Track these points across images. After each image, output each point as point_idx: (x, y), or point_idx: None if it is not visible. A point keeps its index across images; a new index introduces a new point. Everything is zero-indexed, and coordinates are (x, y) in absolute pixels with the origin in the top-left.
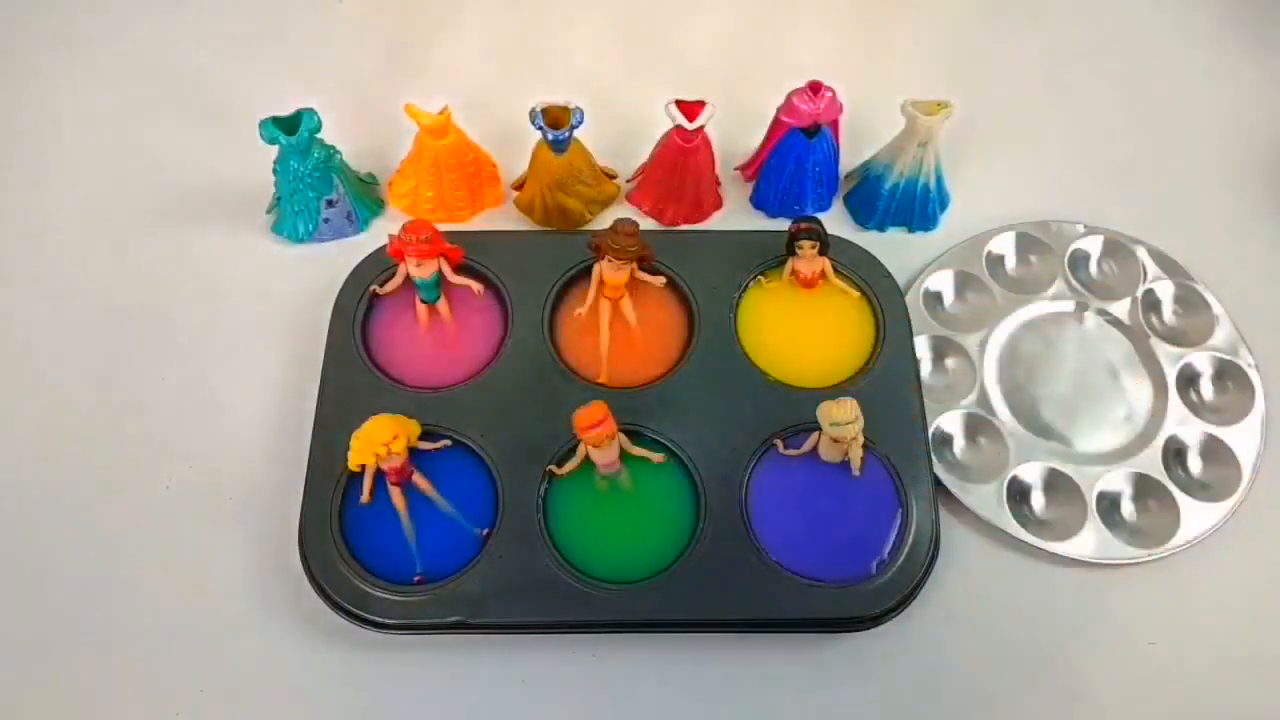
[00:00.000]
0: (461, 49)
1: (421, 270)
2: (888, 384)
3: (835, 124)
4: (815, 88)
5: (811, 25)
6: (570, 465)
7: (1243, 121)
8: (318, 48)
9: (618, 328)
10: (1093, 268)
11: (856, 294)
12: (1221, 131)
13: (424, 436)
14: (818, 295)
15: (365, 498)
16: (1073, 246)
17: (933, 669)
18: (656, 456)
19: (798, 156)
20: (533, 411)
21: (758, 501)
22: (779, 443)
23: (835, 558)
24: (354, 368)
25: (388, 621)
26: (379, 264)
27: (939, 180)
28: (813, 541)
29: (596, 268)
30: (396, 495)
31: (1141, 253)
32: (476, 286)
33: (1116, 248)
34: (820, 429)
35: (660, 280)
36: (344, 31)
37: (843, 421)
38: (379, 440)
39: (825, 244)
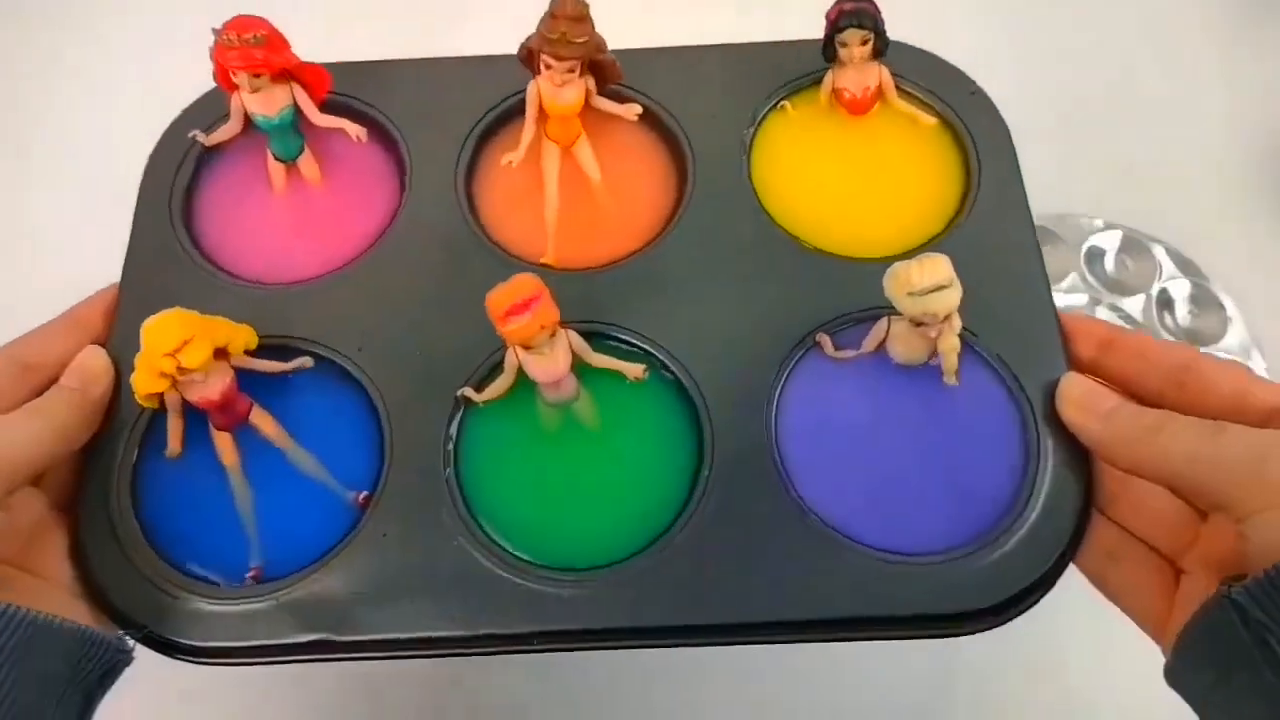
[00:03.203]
0: None
1: (264, 103)
2: (989, 247)
3: None
4: None
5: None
6: (496, 387)
7: (1267, 124)
8: None
9: (571, 185)
10: (1109, 263)
11: (931, 119)
12: (1244, 133)
13: (270, 352)
14: (872, 124)
15: (171, 448)
16: (1089, 241)
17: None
18: (633, 369)
19: None
20: (439, 312)
21: (795, 433)
22: (824, 340)
23: (922, 517)
24: (169, 257)
25: (204, 645)
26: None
27: None
28: (884, 493)
29: (532, 88)
30: (224, 444)
31: (1159, 251)
32: (354, 130)
33: (1134, 244)
34: (889, 311)
35: (634, 110)
36: None
37: (931, 288)
38: (159, 349)
39: (883, 39)
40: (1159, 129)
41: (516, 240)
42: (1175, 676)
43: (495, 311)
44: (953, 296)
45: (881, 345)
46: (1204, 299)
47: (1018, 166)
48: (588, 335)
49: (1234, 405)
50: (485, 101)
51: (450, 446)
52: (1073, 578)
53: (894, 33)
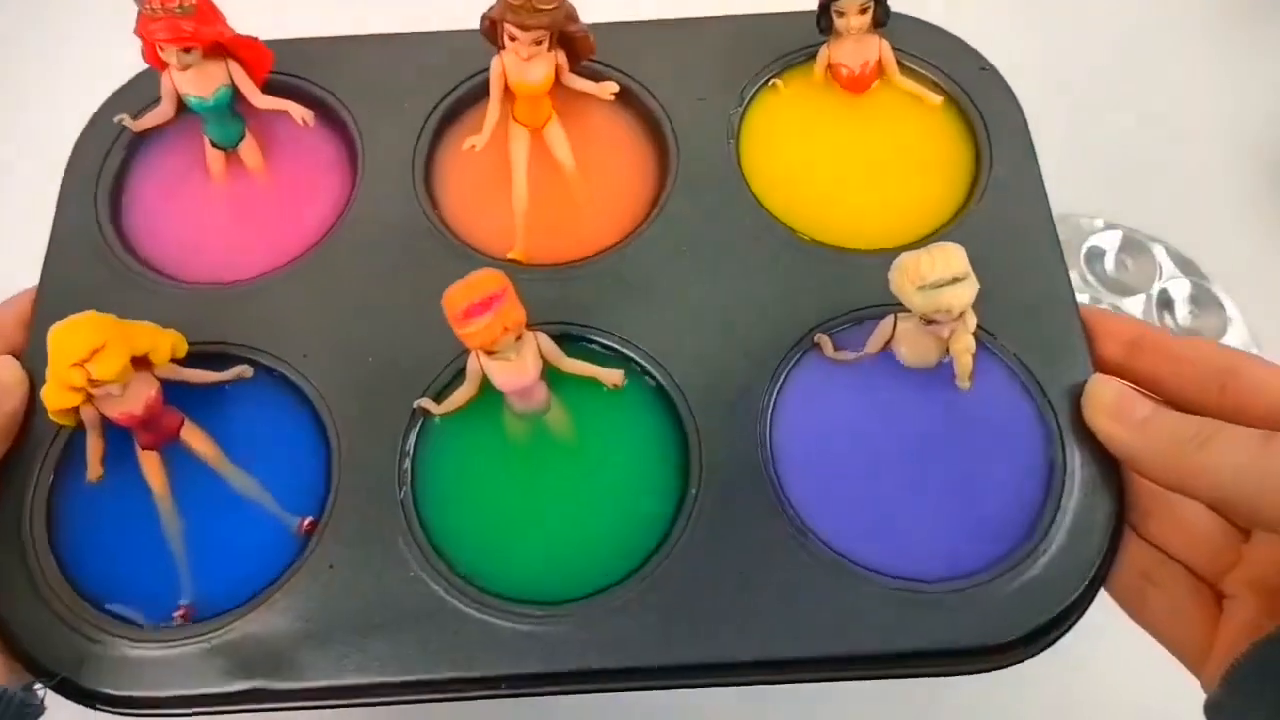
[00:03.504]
0: None
1: (197, 83)
2: (1003, 236)
3: None
4: None
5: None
6: (456, 398)
7: (1268, 124)
8: None
9: (542, 172)
10: (1109, 263)
11: (938, 98)
12: (1245, 133)
13: (204, 360)
14: (873, 103)
15: (91, 470)
16: (1089, 241)
17: None
18: (611, 375)
19: None
20: (393, 313)
21: (793, 445)
22: (823, 341)
23: (937, 538)
24: (93, 255)
25: (127, 695)
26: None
27: None
28: (894, 512)
29: (495, 63)
30: (150, 466)
31: (1159, 251)
32: (300, 112)
33: (1133, 244)
34: (895, 308)
35: (610, 89)
36: None
37: (944, 281)
38: (66, 358)
39: (883, 8)
40: (1159, 129)
41: (481, 233)
42: (1220, 713)
43: (452, 311)
44: (968, 291)
45: (887, 346)
46: (1204, 299)
47: (1033, 149)
48: (560, 338)
49: None
50: (446, 81)
51: (407, 465)
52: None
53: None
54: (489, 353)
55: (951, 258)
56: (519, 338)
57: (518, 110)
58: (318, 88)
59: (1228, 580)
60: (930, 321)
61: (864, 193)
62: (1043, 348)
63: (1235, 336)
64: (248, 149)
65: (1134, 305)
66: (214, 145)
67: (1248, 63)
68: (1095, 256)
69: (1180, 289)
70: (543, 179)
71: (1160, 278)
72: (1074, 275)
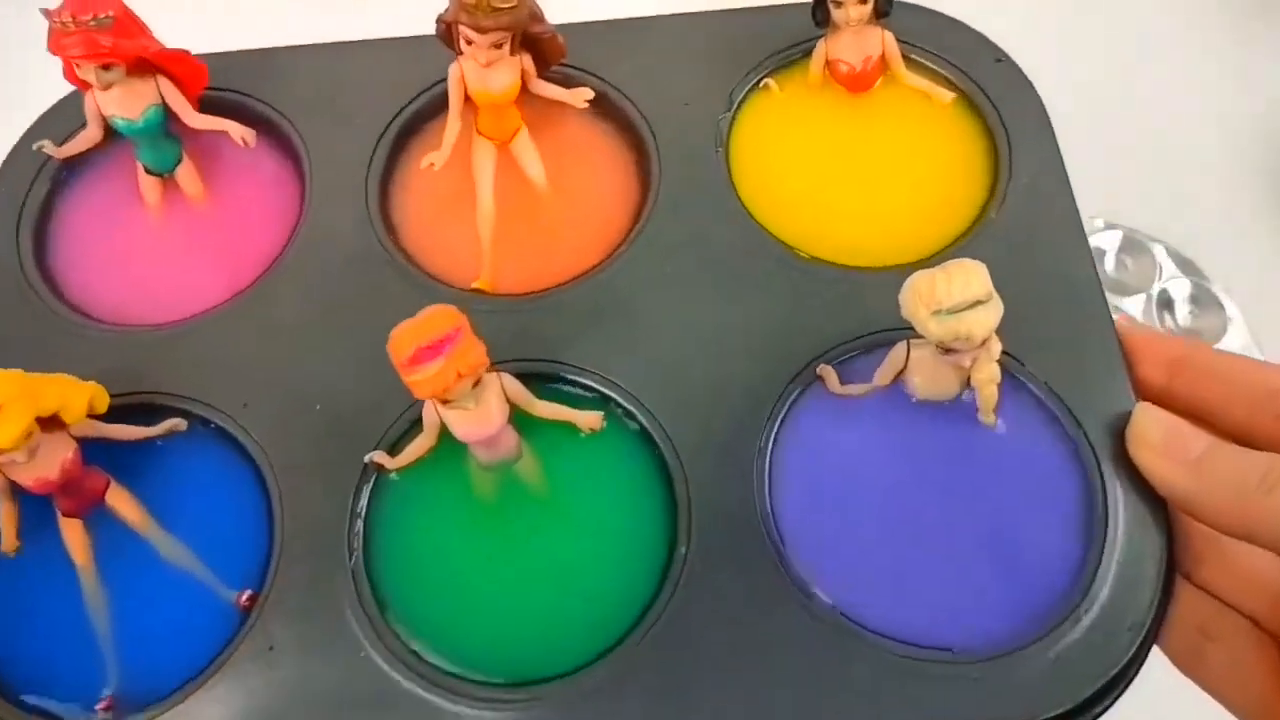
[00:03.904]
0: None
1: (122, 103)
2: (1028, 248)
3: None
4: None
5: None
6: (413, 450)
7: (1269, 124)
8: None
9: (511, 191)
10: (1109, 263)
11: (949, 94)
12: (1245, 133)
13: (132, 413)
14: (876, 102)
15: (5, 542)
16: (1089, 242)
17: None
18: (588, 419)
19: None
20: (344, 355)
21: (795, 494)
22: (827, 373)
23: (961, 599)
24: (12, 297)
25: None
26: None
27: None
28: (910, 569)
29: (453, 70)
30: (72, 534)
31: (1159, 251)
32: (240, 132)
33: (1133, 244)
34: (909, 334)
35: (583, 96)
36: None
37: (964, 304)
38: None
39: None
40: (1159, 129)
41: (444, 261)
42: None
43: (398, 357)
44: (992, 315)
45: (899, 377)
46: (1204, 299)
47: (1057, 148)
48: (530, 377)
49: None
50: (403, 92)
51: (358, 527)
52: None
53: None
54: (443, 401)
55: (972, 278)
56: (478, 383)
57: (481, 122)
58: (260, 104)
59: None
60: (949, 350)
61: (869, 203)
62: (1076, 374)
63: (1235, 337)
64: (185, 174)
65: (1134, 305)
66: (148, 171)
67: (1249, 63)
68: (1095, 257)
69: (1180, 289)
70: (512, 198)
71: (1160, 278)
72: None
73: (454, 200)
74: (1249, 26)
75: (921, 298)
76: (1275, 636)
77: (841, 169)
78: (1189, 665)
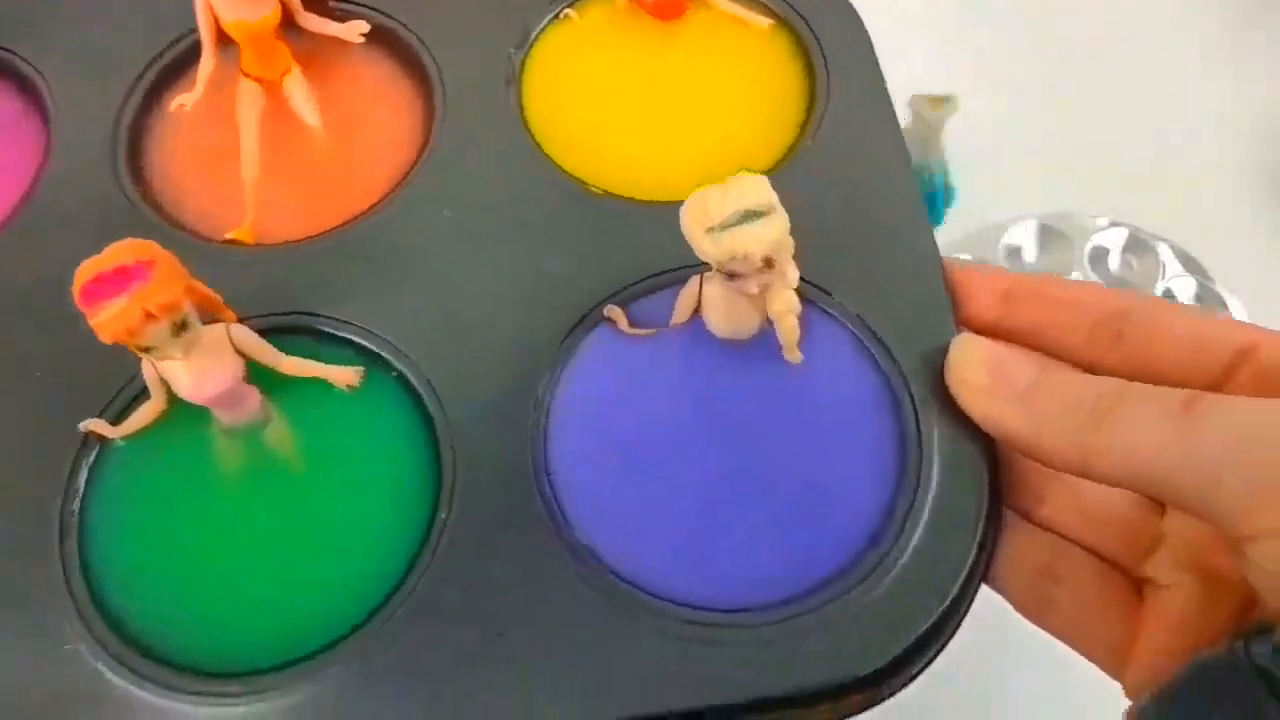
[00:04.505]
0: None
1: None
2: (845, 176)
3: None
4: None
5: None
6: (140, 415)
7: (1273, 123)
8: None
9: (282, 135)
10: (1113, 262)
11: (765, 21)
12: (1250, 132)
13: None
14: (687, 30)
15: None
16: (1093, 240)
17: None
18: (342, 374)
19: None
20: (74, 316)
21: (575, 447)
22: (616, 315)
23: (758, 556)
24: None
25: None
26: None
27: (945, 177)
28: (703, 527)
29: (201, 5)
30: None
31: (1163, 250)
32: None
33: (1138, 243)
34: (705, 267)
35: (358, 29)
36: None
37: (735, 219)
38: None
39: None
40: (1164, 127)
41: (206, 213)
42: None
43: (75, 291)
44: (770, 230)
45: (696, 315)
46: (1209, 298)
47: (881, 77)
48: (287, 332)
49: (1193, 359)
50: (164, 33)
51: (74, 507)
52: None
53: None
54: (144, 350)
55: (746, 188)
56: (184, 328)
57: (245, 61)
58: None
59: (1150, 564)
60: (732, 275)
61: (679, 137)
62: (893, 306)
63: None
64: None
65: None
66: None
67: (1254, 62)
68: (1099, 255)
69: (1185, 288)
70: (283, 143)
71: (1164, 277)
72: (1077, 274)
73: (222, 148)
74: (1255, 25)
75: (695, 215)
76: (1124, 571)
77: (648, 102)
78: (1036, 612)
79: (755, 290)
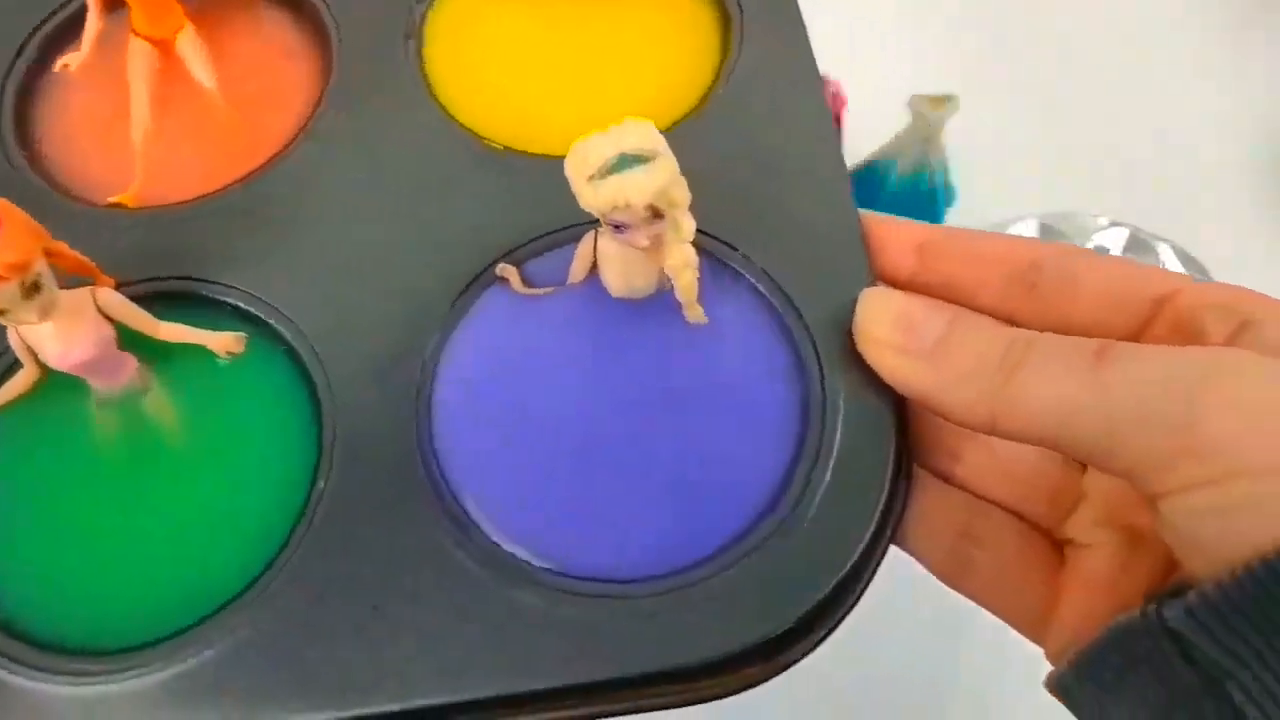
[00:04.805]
0: None
1: None
2: (756, 126)
3: (838, 119)
4: None
5: (814, 17)
6: (11, 386)
7: (1274, 123)
8: None
9: (176, 96)
10: None
11: None
12: (1251, 132)
13: None
14: None
15: None
16: (1094, 240)
17: None
18: (221, 340)
19: None
20: None
21: (462, 414)
22: (509, 273)
23: (653, 525)
24: None
25: None
26: None
27: (945, 176)
28: (599, 495)
29: None
30: None
31: (1164, 250)
32: None
33: (1139, 243)
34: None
35: None
36: None
37: (613, 165)
38: None
39: None
40: (1165, 127)
41: (97, 178)
42: (1068, 696)
43: None
44: (653, 177)
45: (593, 273)
46: None
47: (801, 24)
48: (169, 296)
49: (1110, 309)
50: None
51: None
52: None
53: (900, 29)
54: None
55: (629, 133)
56: (36, 290)
57: (135, 20)
58: None
59: (1071, 524)
60: (618, 227)
61: (587, 89)
62: (802, 261)
63: None
64: None
65: None
66: None
67: (1255, 61)
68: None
69: None
70: (176, 103)
71: None
72: None
73: (113, 111)
74: (1256, 25)
75: (577, 163)
76: (1045, 532)
77: (557, 54)
78: (954, 576)
79: (645, 243)
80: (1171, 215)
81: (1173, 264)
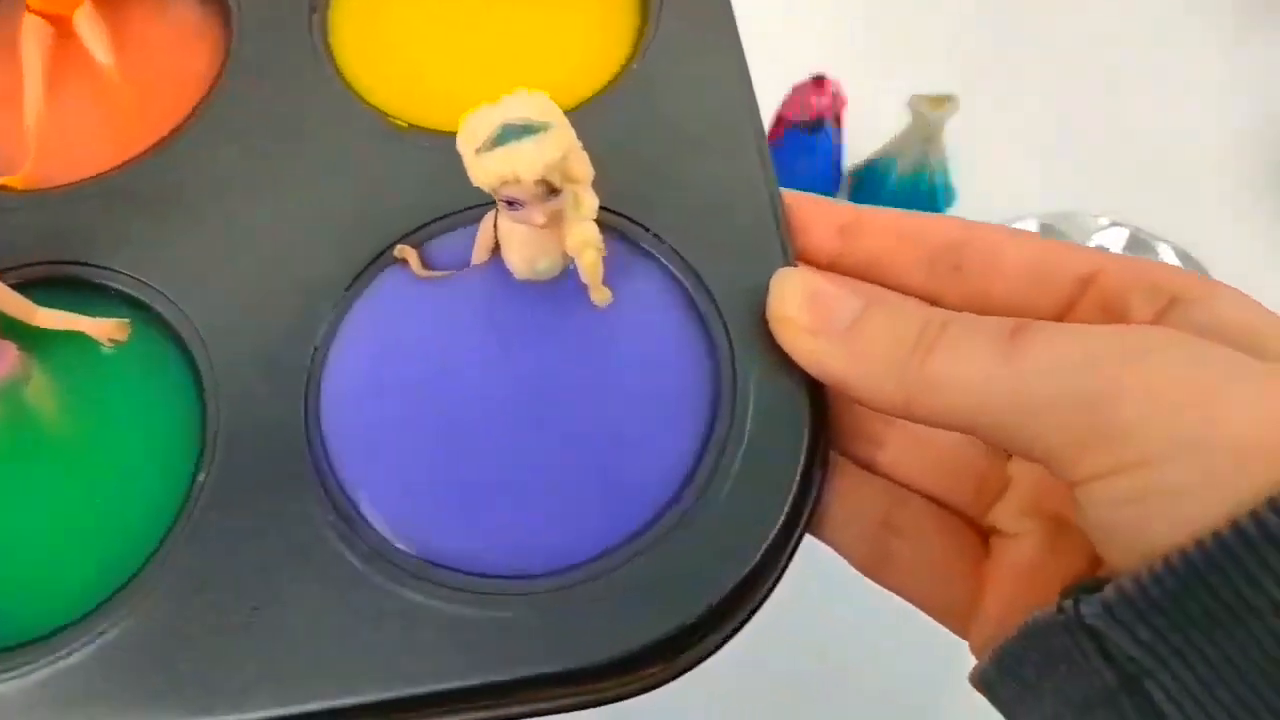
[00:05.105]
0: None
1: None
2: (669, 103)
3: (839, 119)
4: (819, 82)
5: (814, 17)
6: None
7: (1275, 123)
8: None
9: (72, 75)
10: None
11: None
12: (1251, 132)
13: None
14: None
15: None
16: (1094, 240)
17: None
18: (101, 327)
19: (797, 153)
20: None
21: (352, 402)
22: (408, 255)
23: (549, 517)
24: None
25: None
26: None
27: (945, 176)
28: (495, 487)
29: None
30: None
31: (1165, 250)
32: None
33: (1139, 244)
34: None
35: None
36: None
37: (499, 135)
38: None
39: None
40: (1165, 127)
41: None
42: (991, 692)
43: None
44: (545, 149)
45: (496, 254)
46: None
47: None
48: (49, 282)
49: (1034, 288)
50: None
51: None
52: None
53: (900, 29)
54: None
55: (519, 103)
56: None
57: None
58: None
59: (996, 512)
60: (510, 203)
61: (499, 64)
62: (717, 240)
63: None
64: None
65: None
66: None
67: (1255, 61)
68: None
69: None
70: (73, 83)
71: None
72: None
73: (5, 91)
74: (1258, 25)
75: (465, 135)
76: (970, 521)
77: (469, 28)
78: (875, 568)
79: (540, 220)
80: (1171, 215)
81: (1172, 263)
